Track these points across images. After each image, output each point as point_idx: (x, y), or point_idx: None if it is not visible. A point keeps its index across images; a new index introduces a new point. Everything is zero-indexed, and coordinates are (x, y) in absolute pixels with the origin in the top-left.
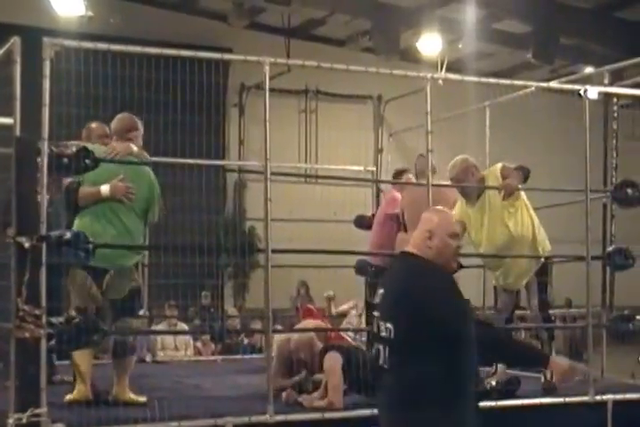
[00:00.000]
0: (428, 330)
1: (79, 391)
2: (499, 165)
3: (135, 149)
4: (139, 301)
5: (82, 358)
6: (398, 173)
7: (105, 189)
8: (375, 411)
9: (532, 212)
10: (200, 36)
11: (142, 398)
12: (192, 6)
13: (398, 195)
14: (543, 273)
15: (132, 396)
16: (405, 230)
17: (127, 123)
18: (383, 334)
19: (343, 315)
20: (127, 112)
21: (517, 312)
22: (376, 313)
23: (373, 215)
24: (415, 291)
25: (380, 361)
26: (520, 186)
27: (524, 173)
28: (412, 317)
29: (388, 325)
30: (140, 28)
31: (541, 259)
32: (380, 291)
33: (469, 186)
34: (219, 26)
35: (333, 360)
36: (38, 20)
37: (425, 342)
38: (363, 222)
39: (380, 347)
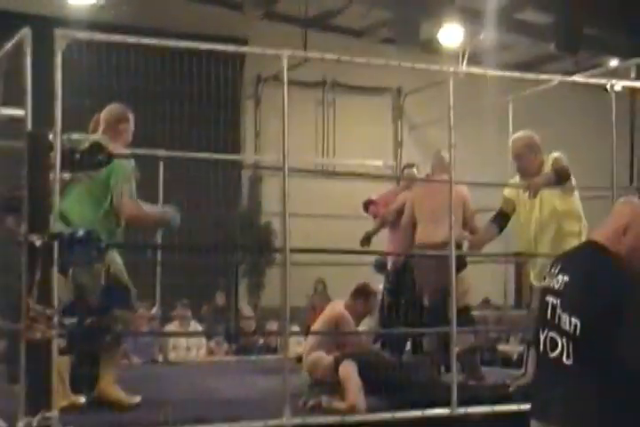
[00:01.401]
0: (622, 334)
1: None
2: (554, 156)
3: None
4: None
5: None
6: (403, 169)
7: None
8: (396, 414)
9: (580, 208)
10: (215, 26)
11: (135, 399)
12: None
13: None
14: None
15: (121, 395)
16: (414, 226)
17: (119, 113)
18: (566, 327)
19: None
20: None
21: None
22: (553, 299)
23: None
24: (605, 296)
25: (557, 354)
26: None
27: (557, 174)
28: (608, 319)
29: (573, 319)
30: (154, 18)
31: None
32: (564, 278)
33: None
34: (234, 15)
35: (348, 368)
36: (48, 9)
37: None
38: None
39: (559, 339)
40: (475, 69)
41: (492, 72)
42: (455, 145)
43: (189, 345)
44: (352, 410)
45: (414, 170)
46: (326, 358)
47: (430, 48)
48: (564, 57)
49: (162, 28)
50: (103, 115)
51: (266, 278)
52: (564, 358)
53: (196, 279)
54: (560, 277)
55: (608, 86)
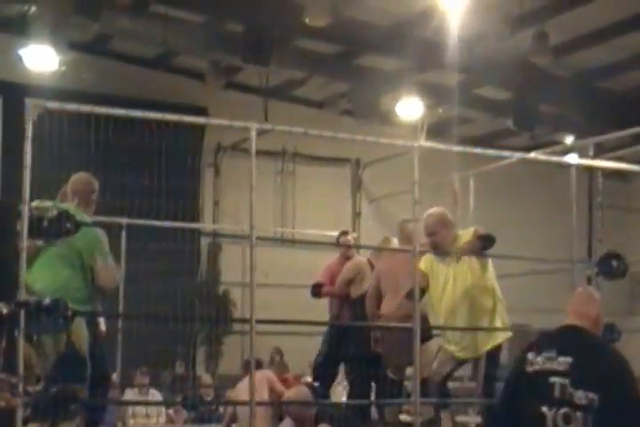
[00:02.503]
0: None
1: None
2: (472, 229)
3: None
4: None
5: None
6: (338, 237)
7: None
8: None
9: (495, 283)
10: (176, 95)
11: None
12: (168, 64)
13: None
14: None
15: None
16: (379, 298)
17: (89, 182)
18: (582, 402)
19: None
20: (97, 174)
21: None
22: (559, 379)
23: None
24: (617, 368)
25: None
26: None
27: (484, 243)
28: (618, 391)
29: (592, 394)
30: (115, 85)
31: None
32: (566, 359)
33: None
34: (195, 84)
35: None
36: (10, 75)
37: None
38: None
39: (574, 414)
40: (438, 145)
41: (455, 147)
42: (418, 219)
43: (149, 413)
44: None
45: (349, 237)
46: None
47: (389, 120)
48: (521, 132)
49: (123, 94)
50: (74, 185)
51: (224, 347)
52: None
53: (155, 347)
54: (561, 359)
55: (571, 162)
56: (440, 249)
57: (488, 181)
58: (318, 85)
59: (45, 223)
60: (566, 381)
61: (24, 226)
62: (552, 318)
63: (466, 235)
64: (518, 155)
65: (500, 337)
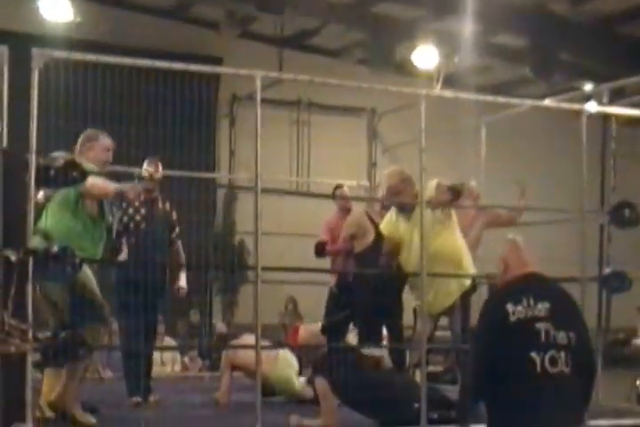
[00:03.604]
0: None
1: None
2: (434, 182)
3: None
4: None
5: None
6: (334, 190)
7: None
8: None
9: (459, 235)
10: (191, 45)
11: (91, 421)
12: (183, 14)
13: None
14: (467, 298)
15: (79, 413)
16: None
17: (86, 135)
18: (563, 341)
19: None
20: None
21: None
22: (543, 324)
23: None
24: (578, 307)
25: (558, 368)
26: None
27: (455, 192)
28: (586, 327)
29: (571, 333)
30: (130, 35)
31: (467, 283)
32: (545, 305)
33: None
34: (210, 34)
35: (321, 385)
36: (26, 26)
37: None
38: None
39: (558, 354)
40: (446, 92)
41: (463, 95)
42: (426, 169)
43: (164, 360)
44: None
45: (345, 189)
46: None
47: (405, 70)
48: (539, 80)
49: (138, 45)
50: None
51: (240, 296)
52: (564, 369)
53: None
54: (540, 306)
55: (583, 109)
56: (406, 207)
57: (502, 130)
58: (333, 34)
59: (52, 172)
60: (549, 325)
61: (32, 175)
62: (561, 269)
63: (428, 189)
64: (529, 102)
65: (465, 286)
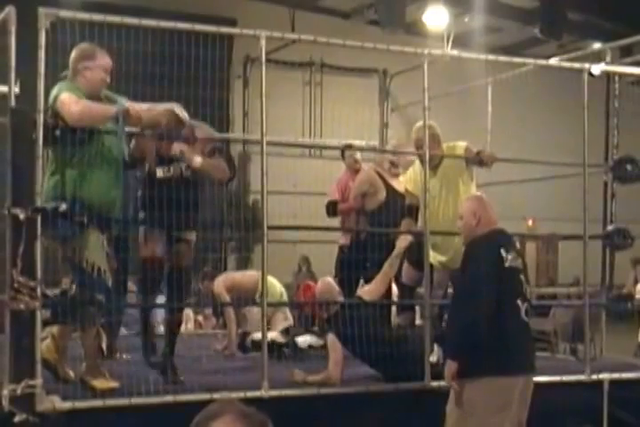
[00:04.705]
0: None
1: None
2: (462, 144)
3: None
4: None
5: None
6: (342, 151)
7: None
8: (370, 387)
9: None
10: (204, 6)
11: (113, 384)
12: None
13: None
14: None
15: (97, 383)
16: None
17: (81, 50)
18: (528, 296)
19: None
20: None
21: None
22: (521, 275)
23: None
24: None
25: (526, 317)
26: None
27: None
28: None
29: (528, 288)
30: None
31: None
32: (519, 259)
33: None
34: None
35: (331, 338)
36: None
37: None
38: None
39: (522, 304)
40: (450, 52)
41: (466, 54)
42: (433, 126)
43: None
44: (327, 381)
45: (356, 152)
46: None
47: (416, 30)
48: (549, 41)
49: (151, 7)
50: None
51: (254, 255)
52: (526, 319)
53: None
54: (519, 260)
55: (584, 69)
56: (430, 162)
57: (509, 90)
58: None
59: (58, 132)
60: (522, 277)
61: (39, 134)
62: (566, 226)
63: (455, 149)
64: (531, 61)
65: None
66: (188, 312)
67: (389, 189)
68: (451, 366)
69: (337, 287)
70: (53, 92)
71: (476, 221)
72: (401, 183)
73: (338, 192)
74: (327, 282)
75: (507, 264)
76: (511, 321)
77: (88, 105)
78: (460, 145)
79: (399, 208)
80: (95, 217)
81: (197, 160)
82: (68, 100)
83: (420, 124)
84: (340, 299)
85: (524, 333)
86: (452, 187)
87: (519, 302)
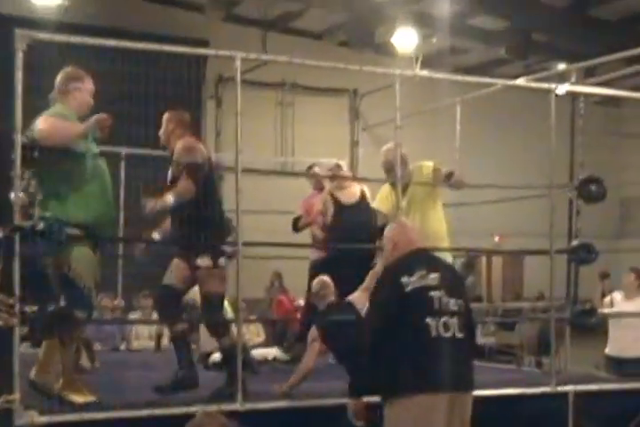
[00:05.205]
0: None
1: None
2: (429, 164)
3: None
4: None
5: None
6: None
7: None
8: (343, 400)
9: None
10: (177, 28)
11: (91, 397)
12: None
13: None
14: (469, 268)
15: (75, 397)
16: None
17: (69, 72)
18: (454, 308)
19: None
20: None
21: None
22: (435, 292)
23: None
24: (461, 277)
25: (451, 333)
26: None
27: (448, 176)
28: (468, 295)
29: (459, 301)
30: (118, 19)
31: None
32: (435, 275)
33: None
34: (196, 17)
35: (314, 331)
36: (14, 9)
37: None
38: None
39: (450, 320)
40: (421, 72)
41: (436, 75)
42: (401, 144)
43: (152, 334)
44: (307, 374)
45: (316, 169)
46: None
47: (385, 51)
48: (514, 61)
49: (126, 28)
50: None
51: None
52: (457, 333)
53: (157, 271)
54: (432, 276)
55: (552, 89)
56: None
57: (477, 109)
58: (316, 17)
59: (36, 153)
60: (442, 293)
61: (17, 154)
62: (532, 242)
63: (422, 170)
64: (500, 82)
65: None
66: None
67: (337, 205)
68: (351, 405)
69: (332, 285)
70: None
71: (391, 246)
72: (352, 193)
73: (302, 208)
74: (323, 279)
75: (408, 289)
76: (417, 341)
77: (54, 122)
78: (427, 165)
79: (351, 220)
80: (86, 234)
81: (168, 200)
82: (42, 120)
83: (387, 146)
84: (332, 298)
85: (438, 350)
86: (419, 207)
87: (429, 320)
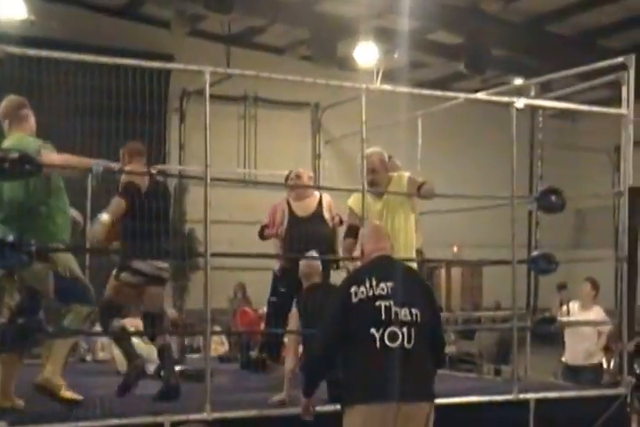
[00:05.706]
0: (438, 315)
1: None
2: (406, 174)
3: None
4: None
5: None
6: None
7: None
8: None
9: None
10: (142, 43)
11: (78, 397)
12: (134, 13)
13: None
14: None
15: (65, 393)
16: None
17: (16, 99)
18: (406, 318)
19: None
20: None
21: None
22: (384, 302)
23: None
24: (426, 285)
25: (398, 343)
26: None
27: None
28: (433, 304)
29: (414, 310)
30: (83, 34)
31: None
32: (387, 284)
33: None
34: (161, 32)
35: (294, 312)
36: None
37: (439, 326)
38: None
39: (400, 330)
40: (385, 86)
41: (401, 89)
42: (379, 152)
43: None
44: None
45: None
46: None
47: (347, 65)
48: (473, 76)
49: (91, 43)
50: (2, 107)
51: (191, 283)
52: (406, 344)
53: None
54: (382, 285)
55: (511, 103)
56: (377, 187)
57: (438, 122)
58: (279, 32)
59: (7, 165)
60: (390, 302)
61: None
62: (492, 252)
63: (402, 178)
64: (462, 95)
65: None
66: None
67: (291, 216)
68: (302, 402)
69: (319, 269)
70: (31, 145)
71: (361, 253)
72: (307, 205)
73: (269, 215)
74: (311, 262)
75: (355, 299)
76: (362, 352)
77: (69, 159)
78: (404, 175)
79: (303, 233)
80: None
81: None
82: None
83: (371, 149)
84: (318, 279)
85: (383, 360)
86: (394, 214)
87: (373, 330)
